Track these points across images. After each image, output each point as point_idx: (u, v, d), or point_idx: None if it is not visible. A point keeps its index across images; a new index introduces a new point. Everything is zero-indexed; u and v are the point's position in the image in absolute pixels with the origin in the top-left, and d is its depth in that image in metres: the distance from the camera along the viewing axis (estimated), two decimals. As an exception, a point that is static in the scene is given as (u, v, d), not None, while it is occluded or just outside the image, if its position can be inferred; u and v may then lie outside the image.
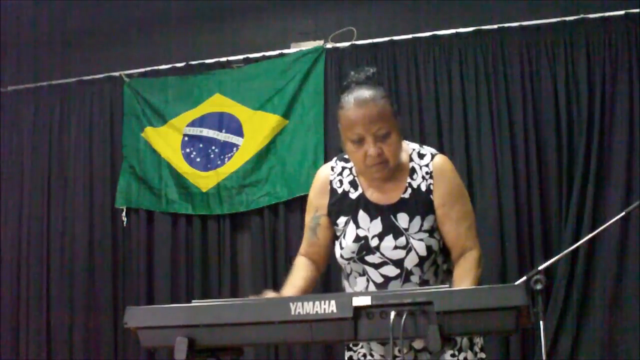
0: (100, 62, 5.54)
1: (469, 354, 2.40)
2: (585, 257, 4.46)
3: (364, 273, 2.43)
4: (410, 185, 2.43)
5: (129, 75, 5.46)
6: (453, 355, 2.38)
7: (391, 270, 2.39)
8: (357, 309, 1.76)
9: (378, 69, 2.59)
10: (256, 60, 5.26)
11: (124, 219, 5.36)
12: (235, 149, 5.20)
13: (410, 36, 4.94)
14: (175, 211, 5.28)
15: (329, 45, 5.11)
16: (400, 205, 2.41)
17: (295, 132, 5.10)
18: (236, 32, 5.39)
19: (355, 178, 2.50)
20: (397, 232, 2.39)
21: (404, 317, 1.71)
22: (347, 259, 2.45)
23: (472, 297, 1.73)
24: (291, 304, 1.80)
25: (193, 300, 2.00)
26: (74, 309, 5.34)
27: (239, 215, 5.19)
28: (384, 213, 2.41)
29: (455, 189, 2.44)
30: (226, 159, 5.21)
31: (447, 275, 2.46)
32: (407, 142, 2.51)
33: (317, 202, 2.54)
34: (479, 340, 2.45)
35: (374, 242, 2.40)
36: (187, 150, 5.30)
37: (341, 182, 2.51)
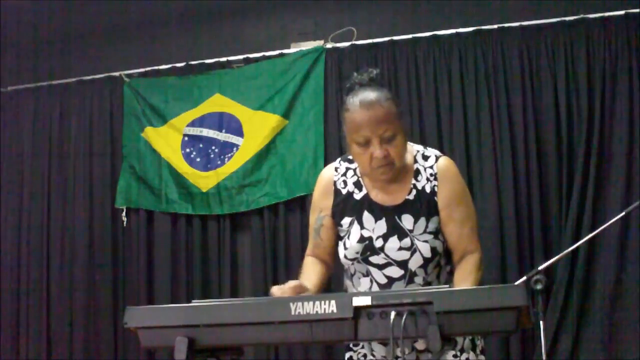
0: (100, 62, 5.54)
1: (471, 355, 2.41)
2: (585, 257, 4.46)
3: (367, 274, 2.44)
4: (414, 186, 2.43)
5: (129, 75, 5.47)
6: (455, 356, 2.38)
7: (395, 271, 2.40)
8: (357, 309, 1.76)
9: (378, 68, 2.59)
10: (256, 60, 5.26)
11: (124, 219, 5.36)
12: (235, 149, 5.20)
13: (410, 36, 4.94)
14: (175, 211, 5.28)
15: (329, 45, 5.11)
16: (405, 207, 2.42)
17: (295, 132, 5.10)
18: (236, 32, 5.39)
19: (360, 179, 2.50)
20: (401, 234, 2.39)
21: (404, 317, 1.71)
22: (351, 260, 2.45)
23: (472, 297, 1.73)
24: (291, 304, 1.80)
25: (193, 300, 2.00)
26: (74, 309, 5.34)
27: (239, 215, 5.19)
28: (389, 214, 2.42)
29: (459, 191, 2.45)
30: (226, 159, 5.21)
31: (450, 277, 2.46)
32: (411, 143, 2.51)
33: (321, 203, 2.54)
34: (480, 343, 2.46)
35: (378, 243, 2.40)
36: (187, 150, 5.30)
37: (345, 182, 2.51)
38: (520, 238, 4.60)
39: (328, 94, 5.06)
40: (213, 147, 5.25)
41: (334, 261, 2.59)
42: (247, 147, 5.17)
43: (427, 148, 2.53)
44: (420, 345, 2.36)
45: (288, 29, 5.30)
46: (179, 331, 1.86)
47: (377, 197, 2.45)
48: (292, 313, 1.79)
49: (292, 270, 4.97)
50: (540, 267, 2.79)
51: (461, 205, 2.43)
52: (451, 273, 2.46)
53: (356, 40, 5.06)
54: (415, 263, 2.38)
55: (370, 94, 2.36)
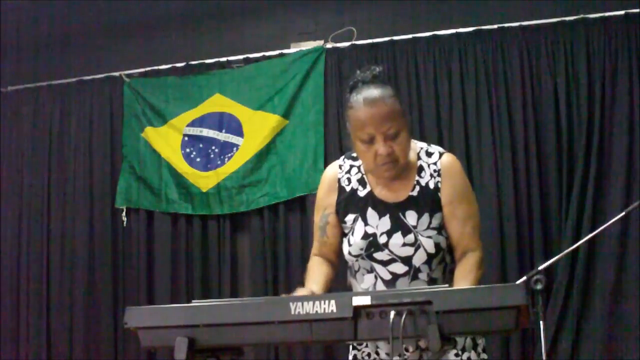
0: (100, 62, 5.55)
1: (472, 354, 2.41)
2: (585, 257, 4.46)
3: (372, 270, 2.44)
4: (418, 183, 2.44)
5: (129, 75, 5.47)
6: (457, 355, 2.39)
7: (399, 268, 2.40)
8: (357, 309, 1.77)
9: (380, 66, 2.59)
10: (256, 60, 5.26)
11: (124, 219, 5.36)
12: (235, 149, 5.20)
13: (410, 36, 4.94)
14: (175, 211, 5.28)
15: (329, 45, 5.11)
16: (409, 203, 2.42)
17: (295, 132, 5.10)
18: (236, 32, 5.39)
19: (364, 176, 2.51)
20: (405, 230, 2.40)
21: (404, 316, 1.71)
22: (355, 256, 2.45)
23: (471, 297, 1.73)
24: (291, 304, 1.80)
25: (193, 300, 2.00)
26: (74, 309, 5.34)
27: (239, 215, 5.19)
28: (393, 211, 2.43)
29: (462, 188, 2.46)
30: (226, 159, 5.21)
31: (452, 275, 2.46)
32: (414, 141, 2.52)
33: (325, 200, 2.55)
34: (481, 342, 2.46)
35: (382, 239, 2.41)
36: (187, 150, 5.30)
37: (349, 180, 2.52)
38: (520, 238, 4.60)
39: (328, 94, 5.06)
40: (213, 147, 5.25)
41: (339, 260, 2.59)
42: (247, 147, 5.17)
43: (431, 145, 2.54)
44: (424, 343, 2.36)
45: (288, 29, 5.30)
46: (179, 331, 1.87)
47: (381, 193, 2.46)
48: (292, 313, 1.79)
49: (292, 270, 4.98)
50: (540, 267, 2.78)
51: (464, 202, 2.44)
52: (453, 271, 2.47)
53: (356, 40, 5.06)
54: (419, 259, 2.39)
55: (373, 92, 2.37)
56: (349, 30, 5.09)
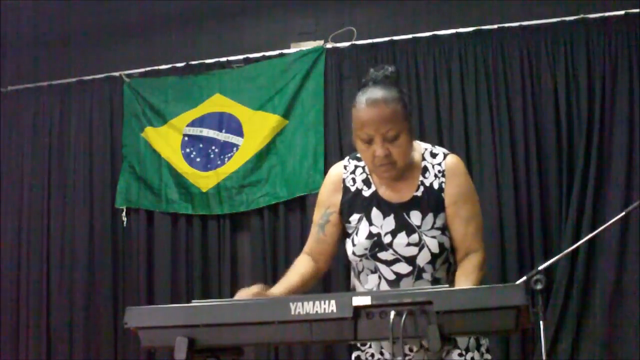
0: (100, 62, 5.55)
1: (476, 354, 2.42)
2: (585, 257, 4.46)
3: (375, 270, 2.45)
4: (422, 183, 2.45)
5: (129, 75, 5.47)
6: (460, 355, 2.39)
7: (403, 268, 2.41)
8: (357, 309, 1.76)
9: (394, 66, 2.59)
10: (256, 60, 5.26)
11: (124, 219, 5.36)
12: (235, 149, 5.20)
13: (410, 36, 4.94)
14: (175, 211, 5.28)
15: (329, 45, 5.11)
16: (413, 203, 2.43)
17: (295, 132, 5.10)
18: (236, 32, 5.39)
19: (369, 176, 2.52)
20: (410, 230, 2.41)
21: (404, 316, 1.71)
22: (360, 256, 2.46)
23: (471, 297, 1.73)
24: (291, 303, 1.80)
25: (193, 300, 2.00)
26: (74, 309, 5.34)
27: (239, 215, 5.19)
28: (397, 211, 2.43)
29: (466, 188, 2.47)
30: (226, 159, 5.21)
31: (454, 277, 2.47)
32: (419, 142, 2.53)
33: (329, 200, 2.55)
34: (485, 342, 2.47)
35: (386, 239, 2.41)
36: (187, 150, 5.30)
37: (354, 180, 2.53)
38: (520, 238, 4.60)
39: (328, 94, 5.06)
40: (213, 147, 5.25)
41: (329, 261, 2.59)
42: (247, 147, 5.17)
43: (436, 146, 2.55)
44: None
45: (288, 29, 5.30)
46: (179, 331, 1.86)
47: (386, 193, 2.47)
48: (292, 313, 1.79)
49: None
50: (540, 267, 2.79)
51: (468, 203, 2.45)
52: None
53: (356, 40, 5.06)
54: (423, 259, 2.39)
55: (377, 93, 2.37)
56: (349, 30, 5.09)
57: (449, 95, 4.83)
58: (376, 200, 2.47)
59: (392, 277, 2.42)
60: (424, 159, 2.48)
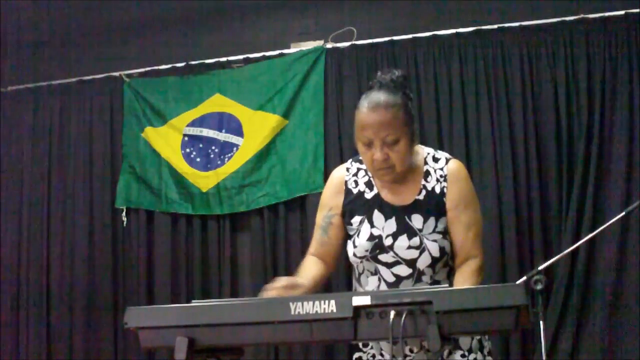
0: (100, 62, 5.54)
1: (479, 355, 2.43)
2: (585, 257, 4.46)
3: (376, 272, 2.46)
4: (424, 187, 2.47)
5: (129, 75, 5.47)
6: (463, 356, 2.41)
7: (403, 270, 2.42)
8: (357, 309, 1.77)
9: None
10: (256, 60, 5.25)
11: (124, 219, 5.36)
12: (235, 149, 5.20)
13: (410, 36, 4.94)
14: (175, 211, 5.28)
15: (329, 45, 5.11)
16: (415, 207, 2.45)
17: (295, 132, 5.10)
18: (236, 32, 5.39)
19: (371, 179, 2.53)
20: (411, 233, 2.42)
21: (404, 316, 1.71)
22: (360, 258, 2.47)
23: (471, 297, 1.73)
24: (291, 303, 1.80)
25: (193, 300, 2.01)
26: (74, 309, 5.34)
27: (239, 215, 5.19)
28: (399, 213, 2.45)
29: (467, 194, 2.48)
30: (226, 159, 5.21)
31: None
32: (422, 146, 2.55)
33: (331, 201, 2.56)
34: (487, 344, 2.48)
35: (387, 242, 2.43)
36: (187, 150, 5.30)
37: (356, 182, 2.55)
38: (520, 238, 4.60)
39: (328, 94, 5.05)
40: (213, 147, 5.25)
41: (335, 262, 2.61)
42: (247, 147, 5.17)
43: (438, 151, 2.56)
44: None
45: (288, 29, 5.30)
46: (179, 331, 1.86)
47: (388, 196, 2.49)
48: (292, 313, 1.79)
49: (292, 270, 4.96)
50: (540, 267, 2.79)
51: (469, 209, 2.46)
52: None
53: (356, 40, 5.06)
54: (423, 262, 2.41)
55: (380, 97, 2.38)
56: (349, 30, 5.09)
57: (449, 95, 4.83)
58: (378, 202, 2.48)
59: (392, 279, 2.43)
60: (426, 163, 2.50)
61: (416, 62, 4.91)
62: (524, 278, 2.80)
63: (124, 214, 5.36)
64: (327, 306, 1.77)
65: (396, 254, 2.42)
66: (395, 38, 4.97)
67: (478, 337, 2.43)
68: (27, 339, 5.41)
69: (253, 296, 4.76)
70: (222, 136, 5.24)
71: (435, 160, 2.51)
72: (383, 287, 2.43)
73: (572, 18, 4.66)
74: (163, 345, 1.91)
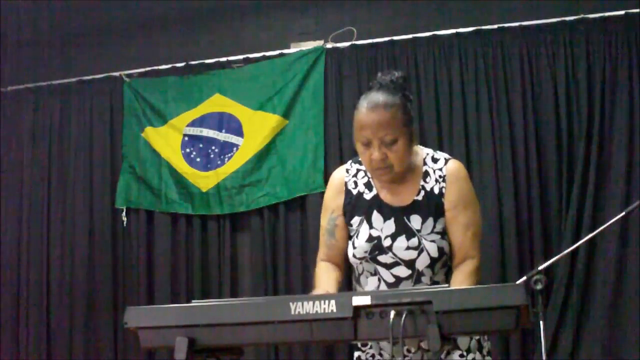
0: (100, 62, 5.54)
1: (478, 355, 2.43)
2: (585, 257, 4.46)
3: (375, 273, 2.46)
4: (423, 187, 2.47)
5: (129, 75, 5.47)
6: (461, 356, 2.41)
7: (403, 271, 2.42)
8: (357, 309, 1.77)
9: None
10: (256, 60, 5.25)
11: (124, 219, 5.36)
12: (235, 149, 5.20)
13: (410, 36, 4.94)
14: (175, 211, 5.28)
15: (329, 45, 5.11)
16: (414, 207, 2.45)
17: (295, 132, 5.10)
18: (236, 32, 5.39)
19: (370, 180, 2.53)
20: (409, 233, 2.42)
21: (404, 316, 1.71)
22: (360, 259, 2.47)
23: (471, 297, 1.73)
24: (291, 303, 1.80)
25: (193, 300, 2.01)
26: (74, 309, 5.34)
27: (239, 215, 5.19)
28: (398, 214, 2.45)
29: (466, 194, 2.48)
30: (226, 159, 5.21)
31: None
32: (421, 147, 2.55)
33: (333, 203, 2.56)
34: (486, 344, 2.48)
35: (386, 242, 2.43)
36: (187, 150, 5.29)
37: (356, 183, 2.55)
38: (520, 238, 4.60)
39: (328, 94, 5.05)
40: (213, 147, 5.25)
41: (345, 265, 2.59)
42: (247, 147, 5.17)
43: (437, 151, 2.56)
44: (426, 344, 2.37)
45: (288, 29, 5.30)
46: (179, 331, 1.87)
47: (387, 197, 2.49)
48: (292, 313, 1.79)
49: (292, 270, 4.98)
50: (540, 267, 2.79)
51: (467, 209, 2.46)
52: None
53: (356, 40, 5.06)
54: (422, 263, 2.41)
55: (379, 97, 2.39)
56: (349, 30, 5.09)
57: (449, 95, 4.83)
58: (377, 203, 2.48)
59: (391, 280, 2.43)
60: (425, 163, 2.50)
61: (416, 62, 4.91)
62: (524, 278, 2.80)
63: (124, 214, 5.36)
64: (327, 306, 1.77)
65: (395, 255, 2.42)
66: (395, 38, 4.97)
67: (477, 337, 2.43)
68: (27, 339, 5.41)
69: (253, 296, 4.77)
70: (222, 136, 5.24)
71: (435, 160, 2.51)
72: (382, 288, 2.44)
73: (572, 18, 4.66)
74: (163, 345, 1.91)
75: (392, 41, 4.97)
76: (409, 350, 2.30)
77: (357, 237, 2.48)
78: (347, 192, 2.54)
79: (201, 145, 5.27)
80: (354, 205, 2.51)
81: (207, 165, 5.24)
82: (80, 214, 5.42)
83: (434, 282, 2.43)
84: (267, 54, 5.23)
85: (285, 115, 5.12)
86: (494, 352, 4.39)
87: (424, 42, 4.91)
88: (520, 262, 4.55)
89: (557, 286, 4.47)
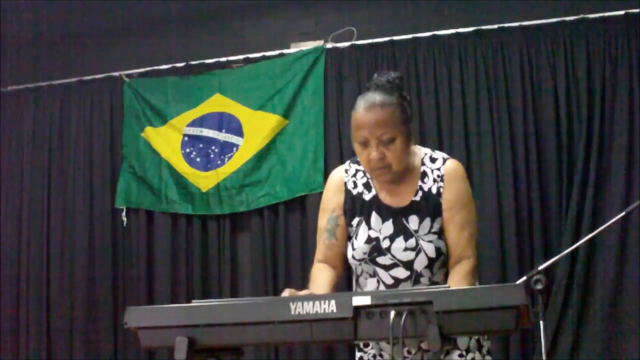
0: (100, 62, 5.55)
1: (477, 355, 2.43)
2: (585, 257, 4.46)
3: (374, 274, 2.46)
4: (421, 188, 2.46)
5: (129, 75, 5.47)
6: (461, 356, 2.41)
7: (401, 272, 2.43)
8: (357, 309, 1.77)
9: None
10: (256, 60, 5.25)
11: (124, 219, 5.36)
12: (235, 149, 5.20)
13: (410, 36, 4.94)
14: (175, 211, 5.28)
15: (329, 45, 5.11)
16: (412, 208, 2.45)
17: (295, 132, 5.10)
18: (236, 32, 5.39)
19: (369, 180, 2.53)
20: (407, 234, 2.42)
21: (404, 316, 1.71)
22: (359, 260, 2.47)
23: (471, 297, 1.73)
24: (291, 303, 1.80)
25: (193, 300, 2.00)
26: (74, 309, 5.34)
27: (239, 215, 5.19)
28: (396, 215, 2.45)
29: (463, 194, 2.48)
30: (226, 159, 5.21)
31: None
32: (419, 147, 2.55)
33: (333, 202, 2.55)
34: (486, 344, 2.48)
35: (385, 244, 2.43)
36: (187, 150, 5.30)
37: (355, 183, 2.54)
38: (520, 238, 4.60)
39: (328, 94, 5.05)
40: (213, 147, 5.25)
41: (344, 266, 2.58)
42: (247, 147, 5.17)
43: (435, 151, 2.56)
44: (426, 345, 2.37)
45: (288, 29, 5.30)
46: (179, 331, 1.86)
47: (386, 198, 2.48)
48: (292, 313, 1.79)
49: (292, 270, 4.98)
50: (540, 267, 2.79)
51: (464, 210, 2.45)
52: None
53: (356, 40, 5.06)
54: (420, 264, 2.41)
55: (376, 97, 2.39)
56: (349, 30, 5.09)
57: (449, 95, 4.83)
58: (376, 204, 2.48)
59: (390, 281, 2.44)
60: (423, 163, 2.49)
61: (416, 62, 4.91)
62: (524, 278, 2.80)
63: (124, 214, 5.36)
64: (327, 306, 1.77)
65: (393, 256, 2.42)
66: (395, 38, 4.97)
67: (476, 337, 2.42)
68: (27, 339, 5.41)
69: (253, 296, 4.77)
70: (222, 136, 5.24)
71: (433, 160, 2.50)
72: (382, 289, 2.43)
73: (572, 18, 4.66)
74: (163, 345, 1.91)
75: (392, 41, 4.97)
76: (409, 352, 2.30)
77: (355, 238, 2.48)
78: (347, 192, 2.54)
79: (201, 145, 5.27)
80: (354, 206, 2.51)
81: (207, 165, 5.24)
82: (80, 214, 5.42)
83: (432, 283, 2.43)
84: (267, 54, 5.23)
85: (285, 115, 5.12)
86: (494, 352, 4.41)
87: (424, 42, 4.91)
88: (520, 262, 4.55)
89: (557, 286, 4.47)
